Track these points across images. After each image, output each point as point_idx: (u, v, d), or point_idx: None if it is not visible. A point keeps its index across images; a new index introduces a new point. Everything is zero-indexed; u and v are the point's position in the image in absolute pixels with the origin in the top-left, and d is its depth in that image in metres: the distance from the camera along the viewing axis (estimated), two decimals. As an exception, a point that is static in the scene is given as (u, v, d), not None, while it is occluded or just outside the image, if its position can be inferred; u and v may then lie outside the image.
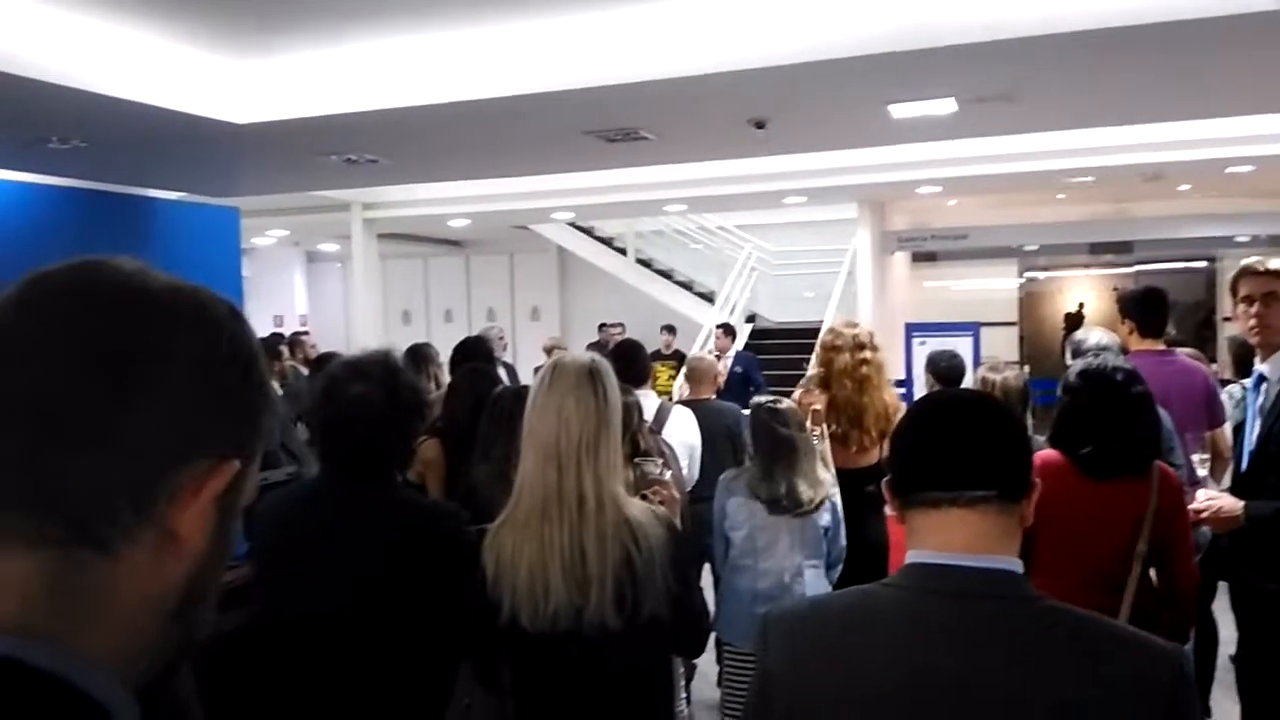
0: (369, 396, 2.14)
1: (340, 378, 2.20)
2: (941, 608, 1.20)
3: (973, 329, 10.01)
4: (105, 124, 4.66)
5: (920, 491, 1.25)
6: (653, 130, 5.20)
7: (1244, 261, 3.01)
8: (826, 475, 3.49)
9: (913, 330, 10.30)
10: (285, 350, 6.38)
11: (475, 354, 4.18)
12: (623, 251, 14.06)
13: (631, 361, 4.55)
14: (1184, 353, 4.22)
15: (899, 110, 4.90)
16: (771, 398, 3.60)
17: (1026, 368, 13.82)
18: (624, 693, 1.94)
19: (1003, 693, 1.14)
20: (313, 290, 17.55)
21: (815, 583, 3.42)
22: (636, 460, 2.29)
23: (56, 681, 0.58)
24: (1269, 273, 2.85)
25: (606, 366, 2.01)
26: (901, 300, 13.56)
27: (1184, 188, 11.82)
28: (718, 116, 4.92)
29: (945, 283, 14.85)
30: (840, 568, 3.53)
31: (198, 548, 0.65)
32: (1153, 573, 2.65)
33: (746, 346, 11.51)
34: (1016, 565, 1.23)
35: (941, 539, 1.24)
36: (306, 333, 10.77)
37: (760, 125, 5.00)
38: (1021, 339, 14.75)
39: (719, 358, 9.26)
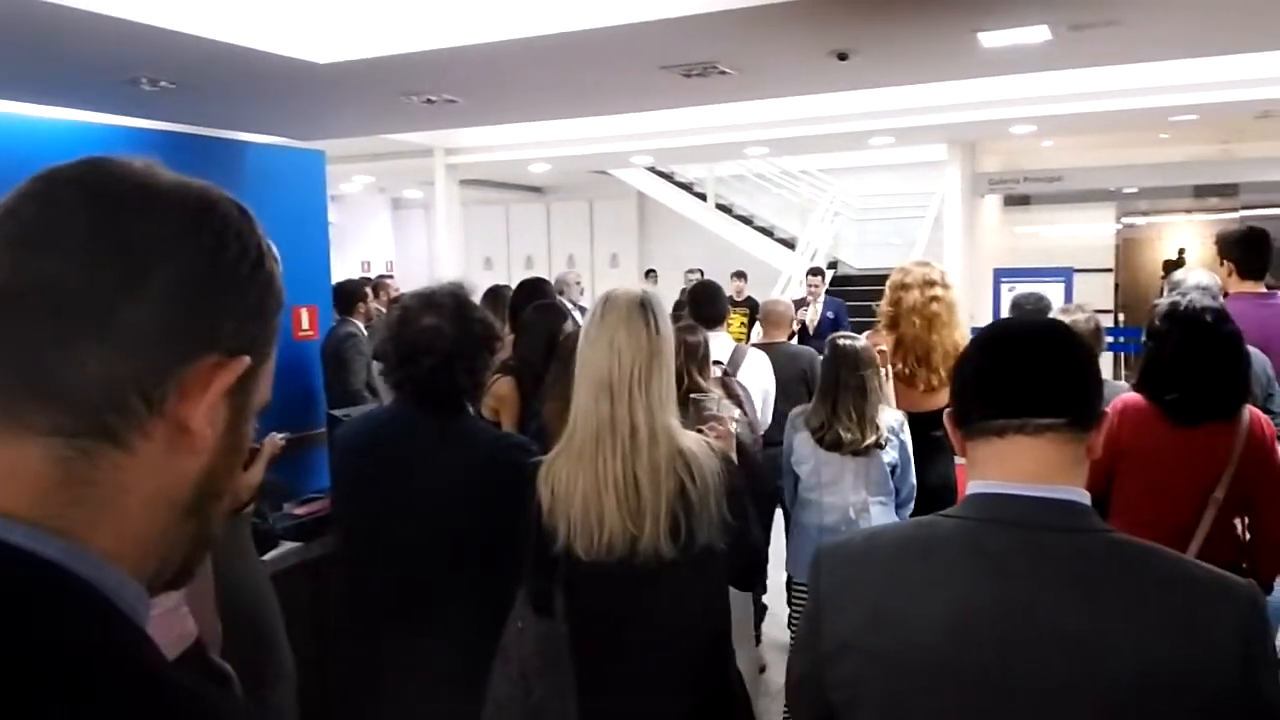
0: (439, 328, 2.17)
1: (413, 309, 2.23)
2: (1004, 538, 1.16)
3: (1065, 275, 9.69)
4: (191, 64, 4.76)
5: (985, 420, 1.20)
6: (732, 64, 5.07)
7: None
8: (889, 416, 3.44)
9: (1002, 276, 10.02)
10: (370, 293, 6.48)
11: (537, 294, 4.17)
12: (703, 197, 13.92)
13: (707, 302, 4.52)
14: (1288, 295, 4.00)
15: (989, 39, 4.67)
16: (846, 335, 3.56)
17: (1122, 315, 13.35)
18: (678, 621, 1.95)
19: (1068, 625, 1.10)
20: (398, 236, 17.86)
21: (882, 519, 3.41)
22: (693, 396, 2.27)
23: (67, 574, 0.58)
24: None
25: (658, 299, 1.99)
26: (992, 246, 13.17)
27: (1298, 126, 11.15)
28: (799, 48, 4.76)
29: (1038, 228, 14.34)
30: (911, 506, 3.50)
31: (209, 443, 0.65)
32: (1238, 522, 2.54)
33: (827, 293, 11.33)
34: (1084, 496, 1.18)
35: (1006, 468, 1.19)
36: (391, 277, 10.97)
37: (843, 57, 4.83)
38: (1117, 287, 14.20)
39: (809, 303, 9.15)
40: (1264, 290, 3.80)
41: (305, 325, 5.96)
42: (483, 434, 2.31)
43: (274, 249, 0.73)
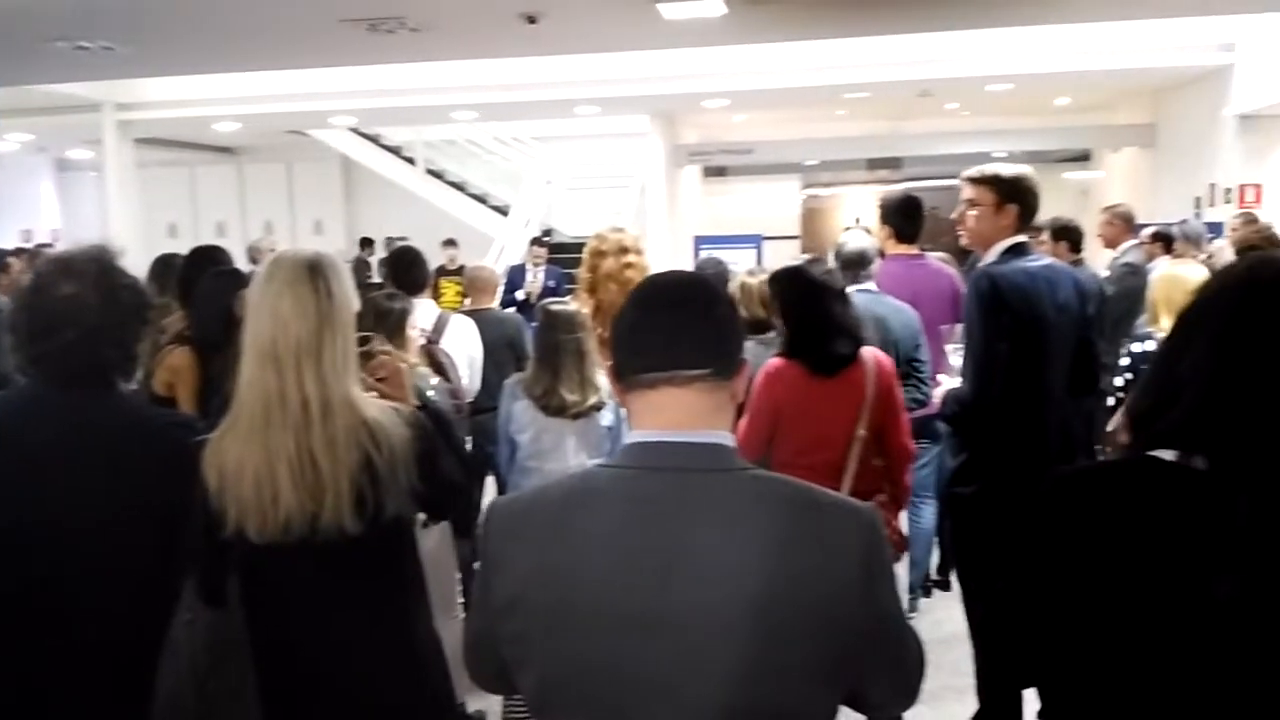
0: (80, 296, 1.94)
1: (48, 276, 1.98)
2: (658, 482, 1.21)
3: (755, 241, 10.38)
4: None
5: (639, 373, 1.25)
6: (418, 20, 4.91)
7: None
8: (606, 379, 3.51)
9: (701, 242, 10.57)
10: (16, 263, 5.72)
11: (212, 263, 3.86)
12: (411, 161, 13.54)
13: (405, 268, 4.40)
14: (935, 257, 4.51)
15: (669, 10, 4.84)
16: (557, 300, 3.59)
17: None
18: (363, 594, 1.89)
19: (717, 559, 1.16)
20: (65, 202, 16.00)
21: None
22: (362, 349, 2.15)
23: None
24: (967, 180, 3.04)
25: (332, 261, 1.88)
26: (693, 214, 13.83)
27: (951, 106, 12.56)
28: (487, 7, 4.70)
29: (733, 197, 15.25)
30: None
31: None
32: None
33: (547, 262, 11.42)
34: (728, 439, 1.25)
35: (658, 418, 1.24)
36: (50, 245, 9.78)
37: (532, 20, 4.83)
38: (804, 252, 15.41)
39: (528, 270, 9.14)
40: (916, 252, 4.25)
41: (-59, 301, 5.18)
42: (135, 414, 2.09)
43: None
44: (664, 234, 11.81)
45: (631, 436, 1.27)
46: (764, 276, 3.67)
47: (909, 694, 1.29)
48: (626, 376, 1.27)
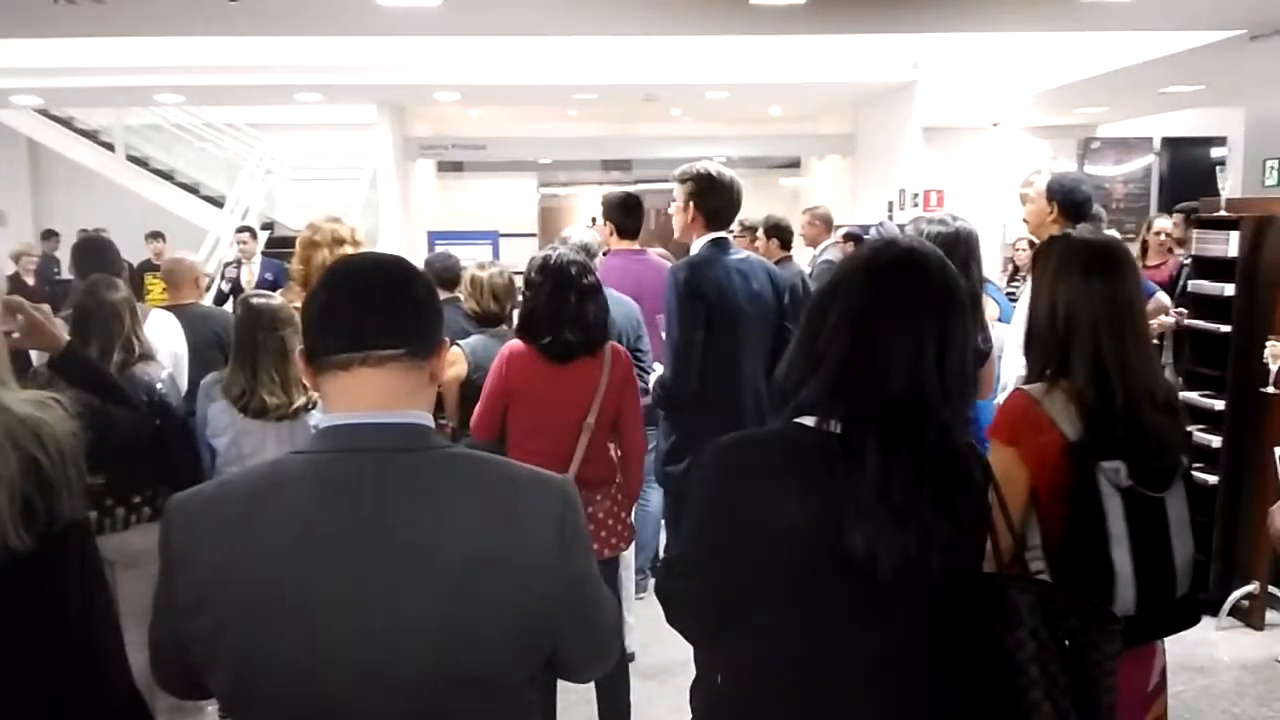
0: None
1: None
2: (352, 465, 1.18)
3: (492, 238, 10.36)
4: None
5: (330, 355, 1.21)
6: (103, -9, 4.49)
7: None
8: None
9: (435, 238, 10.40)
10: None
11: None
12: (110, 147, 12.36)
13: (93, 259, 4.06)
14: (654, 252, 4.71)
15: (384, -4, 4.73)
16: (258, 294, 3.39)
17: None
18: (44, 617, 1.71)
19: (411, 538, 1.15)
20: None
21: None
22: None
23: None
24: (674, 177, 3.24)
25: None
26: (428, 209, 13.58)
27: (675, 111, 13.11)
28: (181, -20, 4.38)
29: (470, 193, 15.13)
30: None
31: None
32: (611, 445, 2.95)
33: (266, 255, 10.80)
34: (425, 419, 1.24)
35: (352, 400, 1.21)
36: None
37: (234, -3, 4.55)
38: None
39: (242, 264, 8.60)
40: (638, 248, 4.41)
41: None
42: None
43: None
44: (397, 228, 11.52)
45: (325, 420, 1.24)
46: (495, 270, 3.68)
47: (604, 656, 1.35)
48: (318, 358, 1.23)
